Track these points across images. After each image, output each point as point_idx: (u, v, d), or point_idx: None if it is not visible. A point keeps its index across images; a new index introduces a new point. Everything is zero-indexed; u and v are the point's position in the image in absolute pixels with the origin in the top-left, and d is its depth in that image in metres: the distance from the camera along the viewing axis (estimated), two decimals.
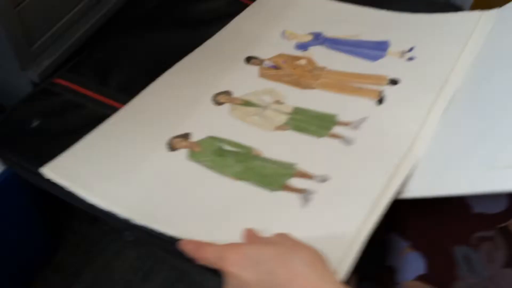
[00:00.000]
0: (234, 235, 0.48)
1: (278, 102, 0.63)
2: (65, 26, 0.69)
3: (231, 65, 0.70)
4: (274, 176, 0.52)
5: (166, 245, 0.48)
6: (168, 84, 0.68)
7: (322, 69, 0.67)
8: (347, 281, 0.44)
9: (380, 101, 0.60)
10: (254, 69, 0.69)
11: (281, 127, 0.59)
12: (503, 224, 0.47)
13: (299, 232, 0.46)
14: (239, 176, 0.53)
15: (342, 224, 0.47)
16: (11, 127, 0.62)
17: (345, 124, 0.58)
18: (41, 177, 0.55)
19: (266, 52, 0.71)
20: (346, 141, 0.55)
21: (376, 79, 0.64)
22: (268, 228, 0.47)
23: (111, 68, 0.69)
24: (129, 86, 0.66)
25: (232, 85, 0.66)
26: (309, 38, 0.74)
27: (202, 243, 0.45)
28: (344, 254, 0.45)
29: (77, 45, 0.70)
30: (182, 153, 0.57)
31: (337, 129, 0.57)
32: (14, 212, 0.68)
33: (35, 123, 0.61)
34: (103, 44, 0.73)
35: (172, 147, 0.58)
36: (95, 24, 0.72)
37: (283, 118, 0.60)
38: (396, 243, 0.51)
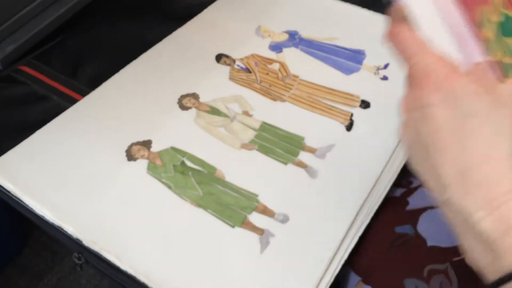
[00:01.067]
0: (190, 267, 0.47)
1: (246, 113, 0.61)
2: (35, 10, 0.63)
3: (200, 62, 0.67)
4: (235, 208, 0.51)
5: (119, 277, 0.47)
6: (132, 77, 0.64)
7: (294, 78, 0.65)
8: None
9: (349, 127, 0.59)
10: (224, 70, 0.66)
11: (247, 146, 0.57)
12: (457, 258, 0.48)
13: (255, 277, 0.46)
14: (199, 202, 0.52)
15: (300, 276, 0.47)
16: None
17: (312, 151, 0.56)
18: None
19: (238, 50, 0.68)
20: (311, 173, 0.54)
21: (349, 98, 0.62)
22: (224, 265, 0.47)
23: (83, 60, 0.65)
24: (101, 81, 0.62)
25: (200, 86, 0.63)
26: (285, 37, 0.71)
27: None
28: None
29: (48, 32, 0.65)
30: (141, 164, 0.55)
31: (303, 156, 0.56)
32: None
33: None
34: (77, 33, 0.68)
35: (131, 156, 0.56)
36: (69, 10, 0.66)
37: (250, 134, 0.58)
38: (348, 277, 0.52)
